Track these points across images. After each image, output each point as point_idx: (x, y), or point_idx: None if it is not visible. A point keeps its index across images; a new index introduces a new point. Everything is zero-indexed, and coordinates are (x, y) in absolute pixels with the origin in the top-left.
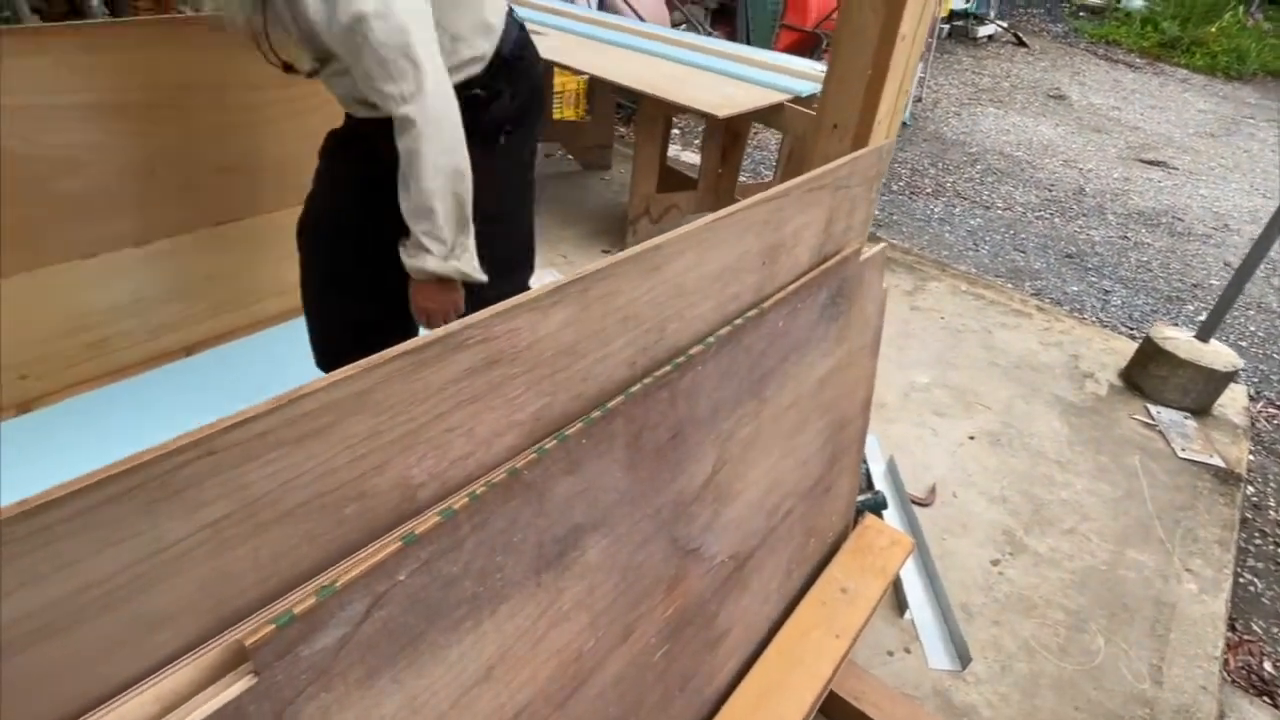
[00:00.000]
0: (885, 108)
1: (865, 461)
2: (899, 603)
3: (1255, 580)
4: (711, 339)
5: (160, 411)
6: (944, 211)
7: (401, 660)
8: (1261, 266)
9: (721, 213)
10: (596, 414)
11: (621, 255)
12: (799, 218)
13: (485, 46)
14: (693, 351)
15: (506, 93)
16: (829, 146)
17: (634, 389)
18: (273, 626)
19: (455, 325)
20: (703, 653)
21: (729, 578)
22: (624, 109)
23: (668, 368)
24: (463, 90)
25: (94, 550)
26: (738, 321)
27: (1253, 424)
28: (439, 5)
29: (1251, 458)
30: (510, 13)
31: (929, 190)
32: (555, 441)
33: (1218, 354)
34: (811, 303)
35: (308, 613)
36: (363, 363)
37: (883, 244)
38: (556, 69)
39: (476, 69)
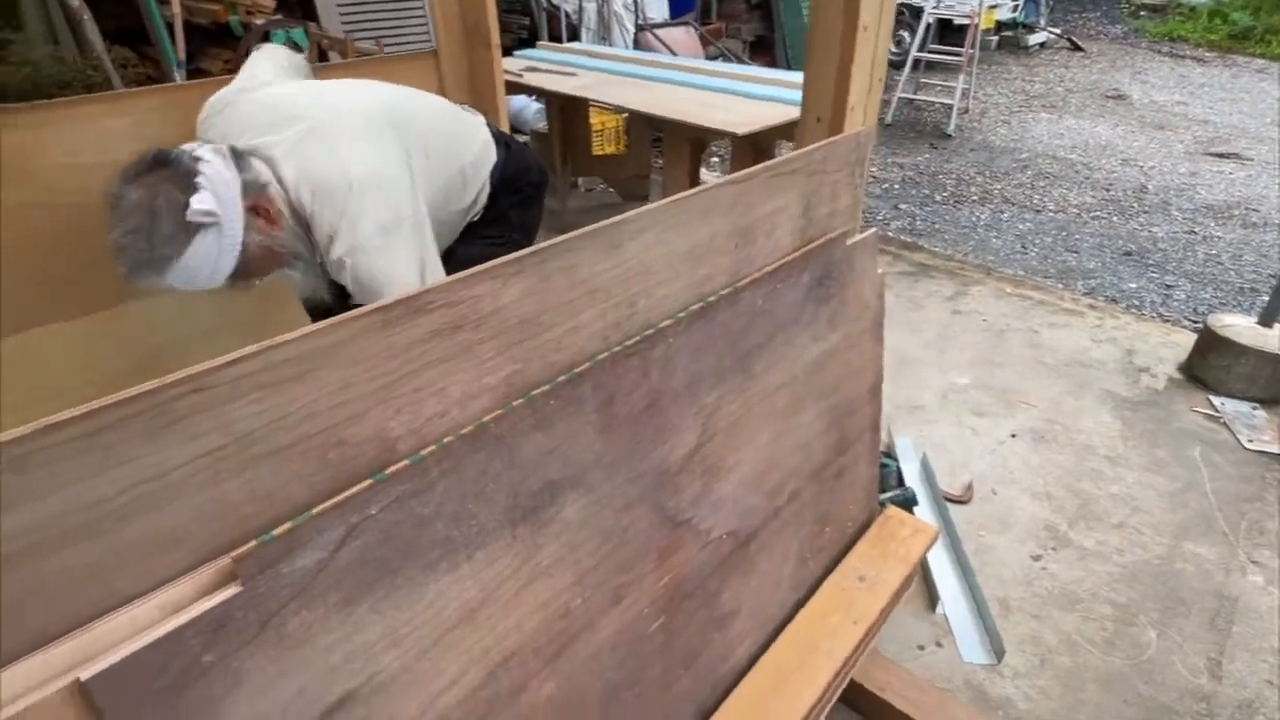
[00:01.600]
0: (856, 96)
1: (896, 460)
2: (930, 597)
3: None
4: (683, 314)
5: None
6: (991, 218)
7: (379, 590)
8: None
9: (684, 194)
10: (563, 378)
11: (580, 230)
12: (771, 201)
13: (482, 197)
14: (664, 325)
15: (506, 201)
16: (813, 139)
17: (602, 356)
18: (255, 542)
19: (420, 288)
20: (708, 630)
21: (730, 556)
22: (661, 141)
23: (637, 338)
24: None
25: (98, 470)
26: (711, 299)
27: None
28: (439, 199)
29: None
30: (494, 142)
31: (975, 198)
32: (522, 400)
33: None
34: (794, 284)
35: (286, 534)
36: (334, 319)
37: (873, 229)
38: (594, 109)
39: (480, 208)
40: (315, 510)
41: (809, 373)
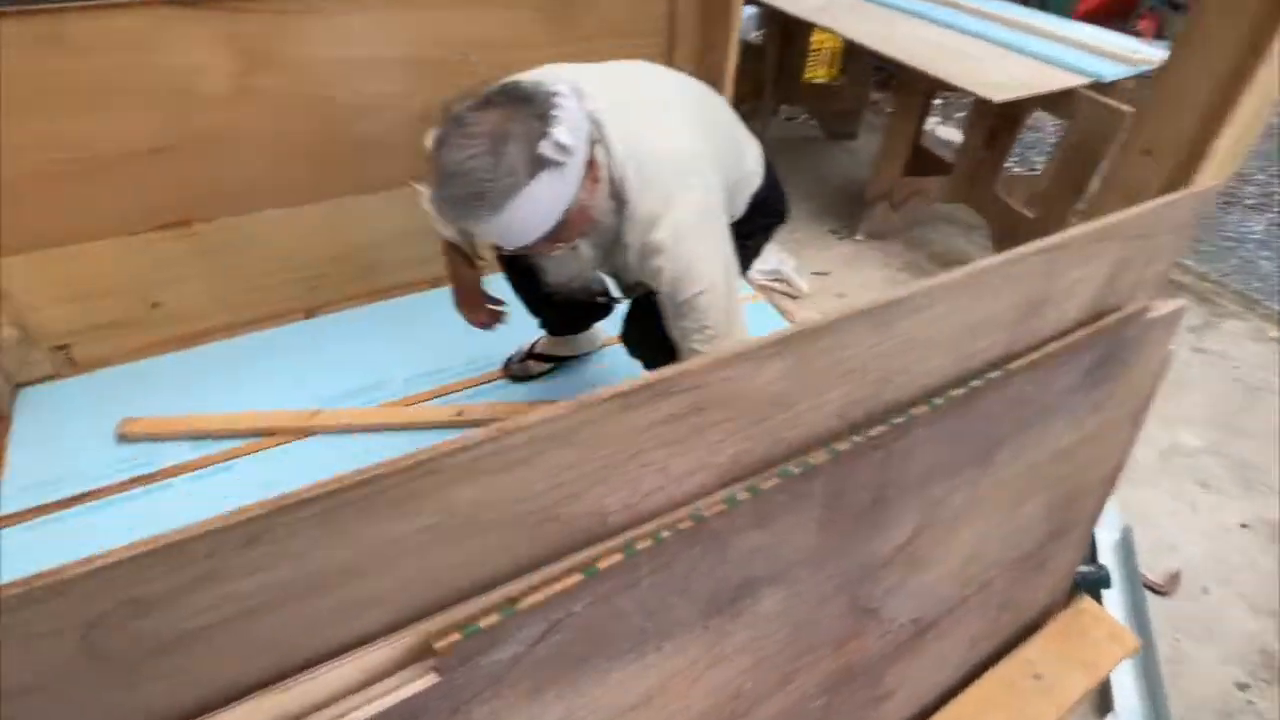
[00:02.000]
0: (1227, 141)
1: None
2: (1102, 699)
3: None
4: (940, 400)
5: (415, 330)
6: (1266, 231)
7: (565, 679)
8: None
9: (984, 266)
10: (797, 470)
11: (856, 308)
12: (1077, 270)
13: (737, 213)
14: (915, 412)
15: (755, 223)
16: (1135, 175)
17: (843, 447)
18: (459, 636)
19: (671, 372)
20: (865, 709)
21: (906, 641)
22: (883, 71)
23: (883, 427)
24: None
25: (322, 546)
26: (976, 383)
27: None
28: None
29: None
30: (761, 160)
31: (1249, 200)
32: (749, 494)
33: None
34: (1072, 367)
35: (491, 628)
36: (573, 403)
37: (1180, 303)
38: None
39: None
40: (521, 605)
41: (1050, 461)
